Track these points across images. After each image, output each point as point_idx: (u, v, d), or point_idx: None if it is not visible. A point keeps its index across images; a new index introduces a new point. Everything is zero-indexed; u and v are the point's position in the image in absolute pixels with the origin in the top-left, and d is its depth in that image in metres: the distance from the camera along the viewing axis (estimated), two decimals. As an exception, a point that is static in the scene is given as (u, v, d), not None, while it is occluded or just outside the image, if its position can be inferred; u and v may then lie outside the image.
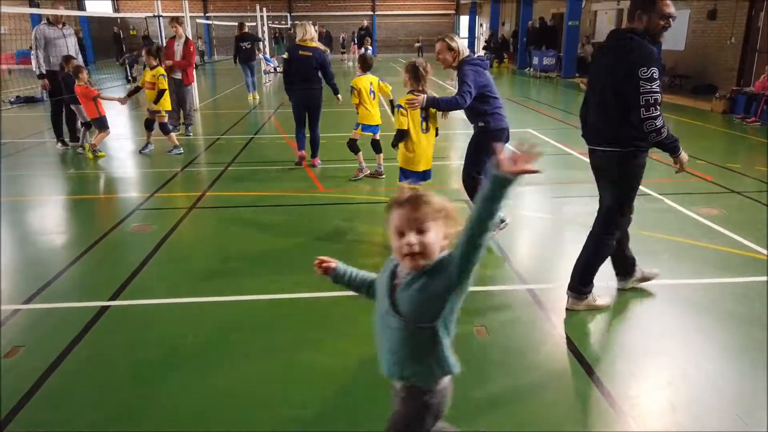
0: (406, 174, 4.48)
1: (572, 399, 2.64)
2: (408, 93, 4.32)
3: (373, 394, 2.61)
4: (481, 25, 33.58)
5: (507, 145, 4.40)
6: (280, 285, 3.81)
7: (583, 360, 2.90)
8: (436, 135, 4.54)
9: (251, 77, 13.74)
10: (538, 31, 22.00)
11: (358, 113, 6.27)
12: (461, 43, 4.45)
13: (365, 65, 6.15)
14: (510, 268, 4.08)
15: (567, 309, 3.40)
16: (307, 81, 6.63)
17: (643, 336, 3.19)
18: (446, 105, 4.27)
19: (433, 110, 4.37)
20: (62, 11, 8.55)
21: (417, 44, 29.72)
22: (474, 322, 3.25)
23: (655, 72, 2.90)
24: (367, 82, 6.05)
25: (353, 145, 6.36)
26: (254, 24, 19.77)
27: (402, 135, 4.37)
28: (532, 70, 21.01)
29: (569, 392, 2.68)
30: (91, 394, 2.67)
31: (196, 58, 11.86)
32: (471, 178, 4.49)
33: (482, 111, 4.34)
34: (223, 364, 2.91)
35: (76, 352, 2.99)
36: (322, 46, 6.87)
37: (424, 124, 4.37)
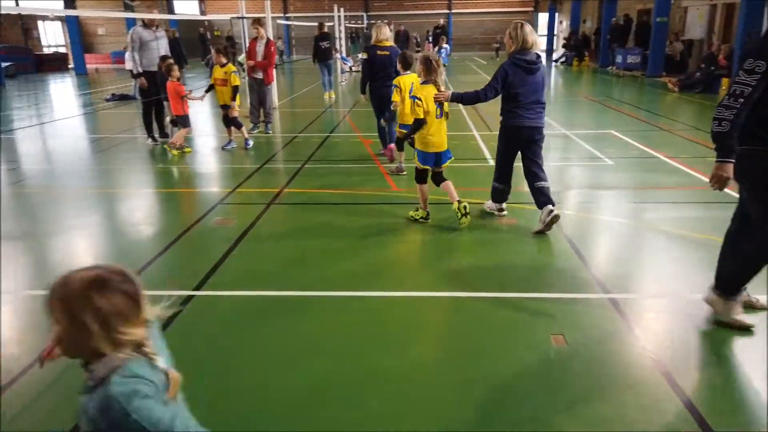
0: (423, 156, 4.84)
1: (659, 420, 2.51)
2: (422, 83, 4.78)
3: (431, 395, 2.60)
4: (561, 22, 32.60)
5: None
6: (354, 283, 3.87)
7: (672, 380, 2.76)
8: (447, 119, 4.91)
9: (328, 76, 14.02)
10: (622, 28, 21.11)
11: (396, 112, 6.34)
12: (526, 35, 4.66)
13: (406, 64, 6.07)
14: (589, 275, 3.94)
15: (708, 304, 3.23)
16: (386, 78, 6.82)
17: (744, 365, 2.99)
18: (469, 100, 4.79)
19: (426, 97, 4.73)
20: (156, 15, 9.04)
21: (495, 44, 28.95)
22: (551, 330, 3.17)
23: (760, 65, 2.69)
24: (409, 81, 5.94)
25: (400, 144, 6.47)
26: (332, 24, 20.12)
27: (419, 124, 4.72)
28: (614, 68, 20.17)
29: (656, 412, 2.55)
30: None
31: (276, 58, 12.20)
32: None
33: (502, 108, 4.82)
34: (300, 359, 2.98)
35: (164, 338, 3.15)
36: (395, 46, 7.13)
37: (438, 110, 4.75)
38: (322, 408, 2.60)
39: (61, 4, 24.34)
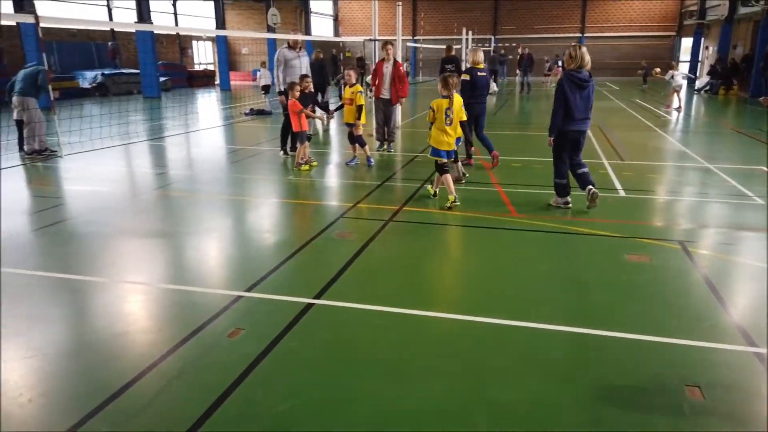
0: (437, 152, 6.26)
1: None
2: (441, 98, 6.22)
3: (563, 438, 2.45)
4: (707, 47, 30.28)
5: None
6: (469, 307, 3.80)
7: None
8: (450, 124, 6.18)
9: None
10: (779, 54, 19.15)
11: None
12: (584, 54, 5.81)
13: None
14: (731, 324, 3.56)
15: None
16: (482, 96, 8.11)
17: None
18: (554, 128, 5.89)
19: (457, 110, 6.22)
20: (295, 36, 9.65)
21: (640, 71, 26.94)
22: (686, 380, 2.89)
23: None
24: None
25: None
26: (459, 47, 20.24)
27: (430, 126, 6.34)
28: (766, 99, 18.29)
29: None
30: (294, 383, 2.91)
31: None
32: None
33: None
34: (413, 379, 2.97)
35: (284, 342, 3.30)
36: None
37: (447, 119, 6.16)
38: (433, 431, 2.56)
39: (213, 25, 26.75)
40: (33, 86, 9.12)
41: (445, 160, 6.28)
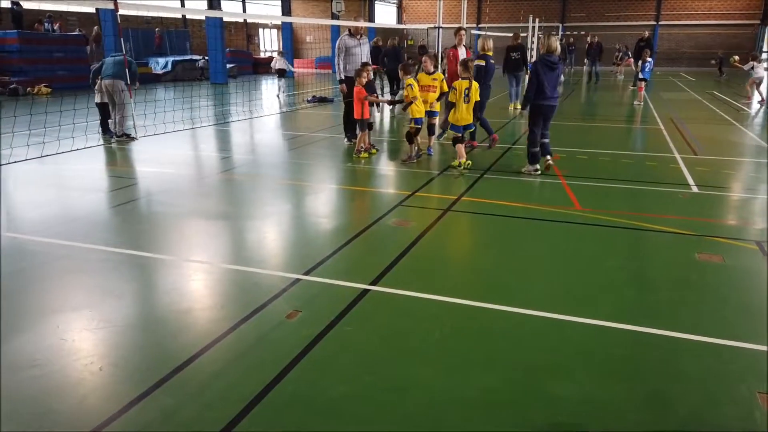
0: (455, 128, 7.46)
1: None
2: (461, 79, 7.34)
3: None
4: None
5: None
6: (527, 300, 3.72)
7: None
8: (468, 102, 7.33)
9: (515, 87, 13.80)
10: None
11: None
12: (551, 42, 6.94)
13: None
14: (813, 332, 3.32)
15: None
16: (490, 81, 8.77)
17: None
18: (526, 101, 7.04)
19: (473, 91, 7.32)
20: (361, 23, 9.64)
21: (713, 61, 25.48)
22: (758, 387, 2.73)
23: None
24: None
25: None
26: (525, 35, 19.74)
27: (450, 105, 7.61)
28: None
29: None
30: (348, 368, 2.95)
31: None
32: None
33: (530, 93, 6.91)
34: (468, 369, 2.94)
35: (339, 327, 3.34)
36: None
37: (465, 98, 7.30)
38: (493, 426, 2.53)
39: (279, 12, 27.18)
40: (124, 71, 9.53)
41: (461, 134, 7.50)
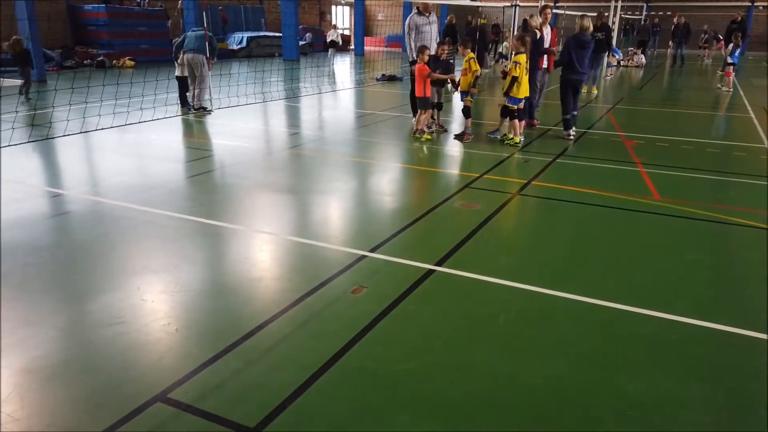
0: (518, 100, 7.65)
1: None
2: (519, 54, 7.54)
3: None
4: None
5: None
6: (596, 289, 3.60)
7: None
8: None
9: (593, 70, 13.21)
10: None
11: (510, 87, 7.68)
12: (583, 23, 7.96)
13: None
14: None
15: None
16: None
17: None
18: (558, 62, 8.27)
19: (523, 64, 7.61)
20: (433, 0, 9.43)
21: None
22: None
23: None
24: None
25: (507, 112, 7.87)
26: (608, 14, 18.85)
27: (514, 79, 7.60)
28: None
29: None
30: (411, 345, 2.96)
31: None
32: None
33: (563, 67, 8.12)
34: (534, 359, 2.89)
35: (404, 305, 3.36)
36: None
37: (525, 72, 7.61)
38: (557, 414, 2.48)
39: (352, -10, 27.11)
40: (205, 45, 9.80)
41: (521, 108, 7.77)
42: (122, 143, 7.67)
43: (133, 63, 18.06)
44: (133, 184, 5.74)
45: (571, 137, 8.06)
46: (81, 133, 7.88)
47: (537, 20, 8.79)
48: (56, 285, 3.59)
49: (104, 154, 7.08)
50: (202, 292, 3.52)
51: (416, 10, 8.88)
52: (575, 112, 8.20)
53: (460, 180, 6.19)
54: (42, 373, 2.65)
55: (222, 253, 4.19)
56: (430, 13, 8.89)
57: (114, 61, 17.82)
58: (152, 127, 8.56)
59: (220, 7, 25.93)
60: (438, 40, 8.89)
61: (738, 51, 14.30)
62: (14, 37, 11.17)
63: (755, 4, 31.93)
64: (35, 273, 3.71)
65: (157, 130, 8.39)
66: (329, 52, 21.39)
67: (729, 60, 14.39)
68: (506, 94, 7.76)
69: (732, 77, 14.27)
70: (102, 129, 8.11)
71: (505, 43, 18.82)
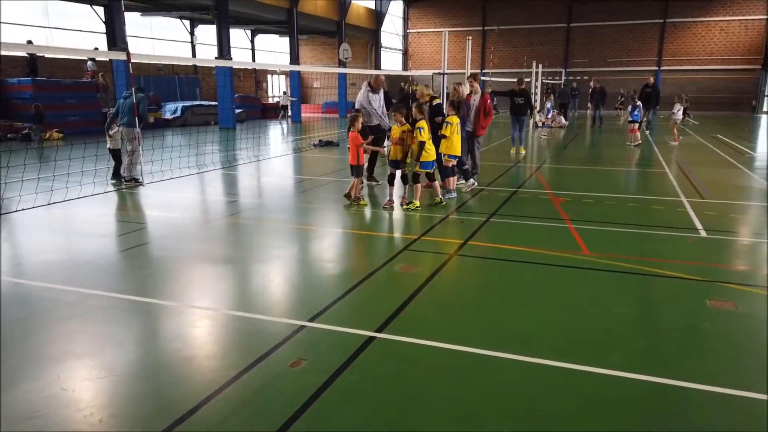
0: (455, 157, 8.29)
1: None
2: (451, 115, 8.16)
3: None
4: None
5: None
6: (534, 348, 3.65)
7: None
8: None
9: (519, 132, 13.93)
10: None
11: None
12: (461, 91, 8.89)
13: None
14: (831, 383, 3.23)
15: None
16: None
17: None
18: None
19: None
20: (363, 70, 9.88)
21: (681, 104, 24.33)
22: (778, 443, 2.64)
23: None
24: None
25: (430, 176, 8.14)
26: (528, 80, 20.09)
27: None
28: None
29: None
30: (355, 417, 2.87)
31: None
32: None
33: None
34: (473, 418, 2.86)
35: (345, 376, 3.28)
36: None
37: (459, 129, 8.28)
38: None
39: (288, 60, 27.84)
40: (134, 116, 9.66)
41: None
42: (48, 220, 7.33)
43: (60, 135, 17.56)
44: (58, 262, 5.45)
45: (466, 190, 8.84)
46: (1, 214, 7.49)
47: (465, 88, 9.22)
48: (-35, 378, 3.30)
49: (27, 233, 6.74)
50: (130, 375, 3.32)
51: (369, 88, 9.54)
52: (466, 166, 9.02)
53: (400, 242, 6.24)
54: (-57, 482, 2.39)
55: (152, 332, 3.99)
56: (380, 89, 9.68)
57: (41, 134, 17.27)
58: (81, 202, 8.25)
59: (151, 93, 25.89)
60: (383, 110, 9.72)
61: (636, 111, 15.90)
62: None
63: (662, 68, 34.90)
64: (-59, 366, 3.41)
65: (86, 205, 8.09)
66: (280, 115, 24.94)
67: (629, 119, 16.19)
68: (417, 159, 7.72)
69: (637, 133, 15.87)
70: (24, 210, 7.74)
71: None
